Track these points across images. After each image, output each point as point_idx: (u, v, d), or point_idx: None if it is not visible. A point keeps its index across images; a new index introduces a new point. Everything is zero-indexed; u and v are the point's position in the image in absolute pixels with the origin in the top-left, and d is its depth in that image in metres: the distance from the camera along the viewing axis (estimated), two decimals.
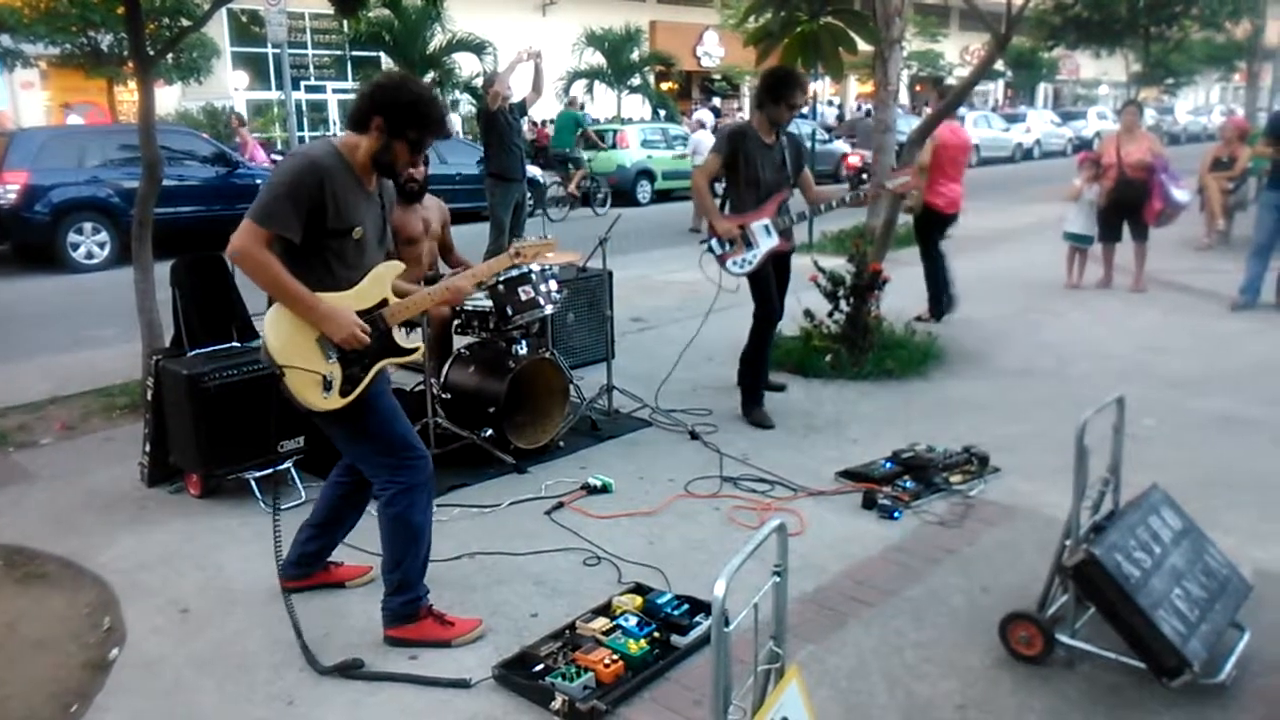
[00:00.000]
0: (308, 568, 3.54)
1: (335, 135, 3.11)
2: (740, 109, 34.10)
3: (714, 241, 5.26)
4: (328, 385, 2.99)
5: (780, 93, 5.12)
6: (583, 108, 22.06)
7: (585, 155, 17.60)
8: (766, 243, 5.20)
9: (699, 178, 5.38)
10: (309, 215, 2.91)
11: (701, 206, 5.34)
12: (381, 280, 3.13)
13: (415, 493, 3.15)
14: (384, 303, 3.12)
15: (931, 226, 7.59)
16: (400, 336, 3.18)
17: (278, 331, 2.96)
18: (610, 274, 6.18)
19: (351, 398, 3.03)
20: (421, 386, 4.92)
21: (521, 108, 9.12)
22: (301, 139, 21.69)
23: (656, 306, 8.43)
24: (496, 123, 8.70)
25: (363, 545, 3.76)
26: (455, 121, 22.96)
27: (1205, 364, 6.37)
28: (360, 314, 3.03)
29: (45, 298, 10.09)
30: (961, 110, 23.33)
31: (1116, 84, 38.10)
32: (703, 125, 17.06)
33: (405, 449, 3.15)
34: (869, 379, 6.08)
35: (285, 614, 3.38)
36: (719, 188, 5.55)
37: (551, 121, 26.34)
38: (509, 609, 3.42)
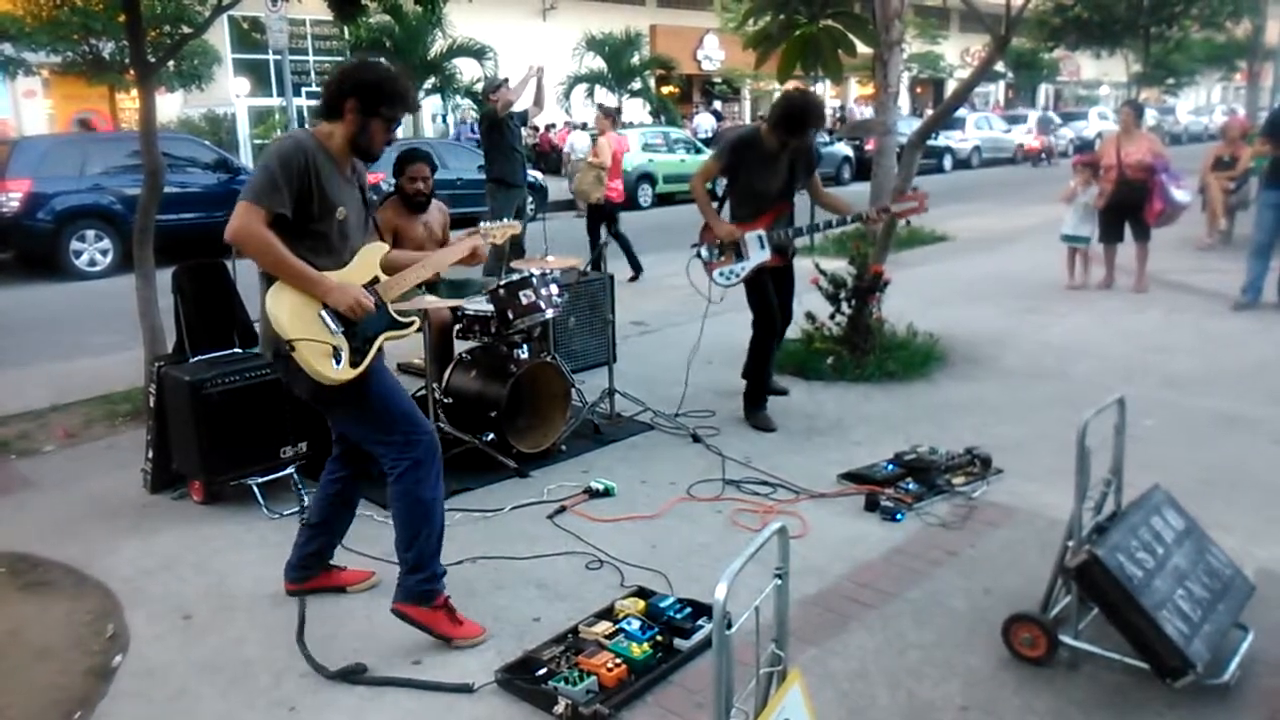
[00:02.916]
0: (310, 569, 3.54)
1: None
2: (739, 111, 34.14)
3: (703, 249, 5.22)
4: (338, 357, 3.03)
5: (788, 127, 4.93)
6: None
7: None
8: (758, 255, 5.13)
9: (695, 181, 5.33)
10: (298, 194, 2.98)
11: (700, 210, 5.28)
12: (369, 259, 3.21)
13: (423, 468, 3.16)
14: (375, 280, 3.20)
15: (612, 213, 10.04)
16: (396, 314, 3.25)
17: (281, 309, 3.01)
18: (611, 278, 6.20)
19: (363, 367, 3.08)
20: (423, 391, 4.93)
21: (523, 116, 9.27)
22: None
23: (658, 310, 8.44)
24: (499, 129, 8.77)
25: (366, 550, 3.76)
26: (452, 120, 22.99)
27: (1207, 364, 6.36)
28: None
29: (48, 305, 10.11)
30: (962, 111, 23.37)
31: (1118, 84, 38.09)
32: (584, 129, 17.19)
33: (410, 425, 3.18)
34: (871, 381, 6.08)
35: (289, 621, 3.39)
36: (719, 189, 5.50)
37: (551, 126, 26.45)
38: (511, 613, 3.42)
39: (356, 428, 3.25)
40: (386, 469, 3.19)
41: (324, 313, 3.04)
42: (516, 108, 9.11)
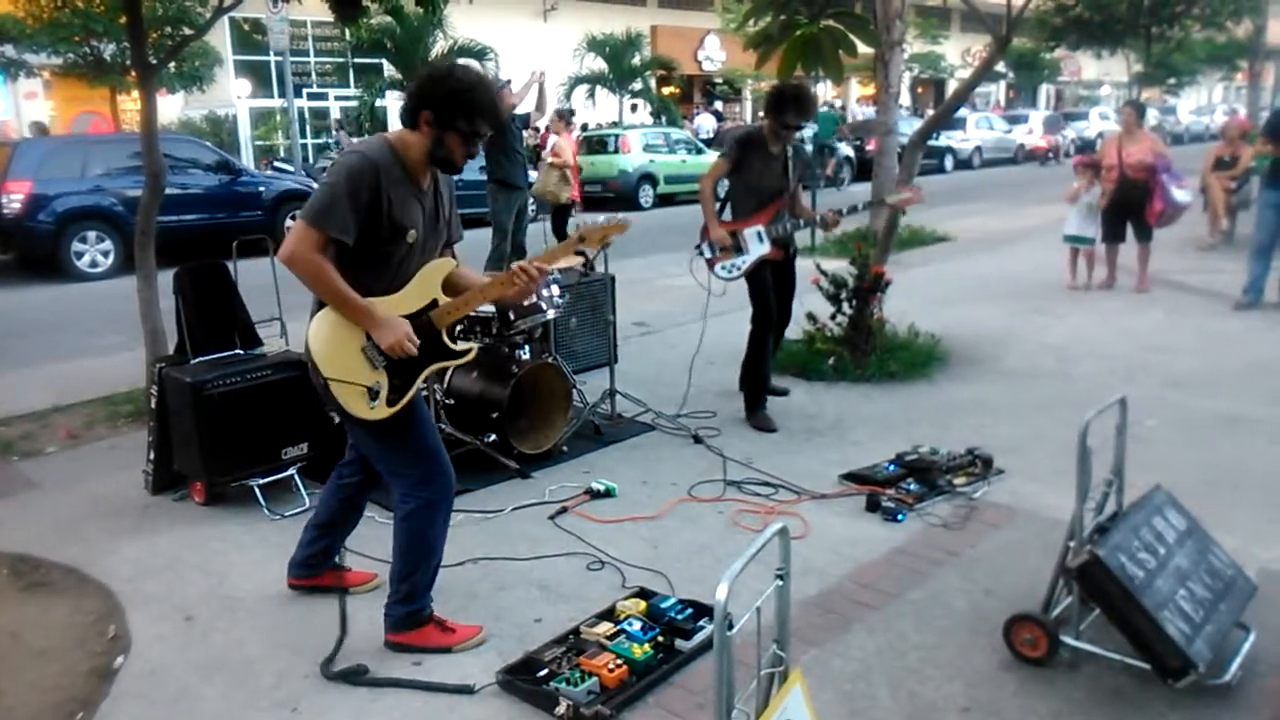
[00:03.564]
0: (315, 567, 3.54)
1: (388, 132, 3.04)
2: (740, 111, 34.14)
3: (705, 246, 5.33)
4: (374, 395, 2.95)
5: (777, 110, 5.16)
6: (834, 108, 25.57)
7: (840, 145, 20.86)
8: (757, 249, 5.25)
9: (705, 182, 5.39)
10: (364, 221, 2.83)
11: (703, 210, 5.35)
12: (429, 281, 3.04)
13: (435, 509, 3.11)
14: (434, 304, 3.04)
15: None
16: (449, 340, 3.09)
17: (321, 343, 2.93)
18: (613, 278, 6.19)
19: (399, 407, 2.98)
20: (425, 392, 4.93)
21: (525, 119, 9.32)
22: (304, 146, 21.77)
23: (659, 311, 8.44)
24: (501, 131, 8.77)
25: (369, 552, 3.76)
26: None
27: (1208, 364, 6.36)
28: (408, 316, 2.97)
29: (49, 306, 10.12)
30: (962, 111, 23.33)
31: (1119, 84, 38.07)
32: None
33: (433, 463, 3.09)
34: (872, 381, 6.08)
35: (290, 621, 3.39)
36: (721, 189, 5.55)
37: (550, 128, 26.46)
38: (512, 614, 3.42)
39: (378, 454, 3.14)
40: (398, 500, 3.12)
41: (367, 347, 2.93)
42: (518, 110, 9.16)
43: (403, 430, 3.05)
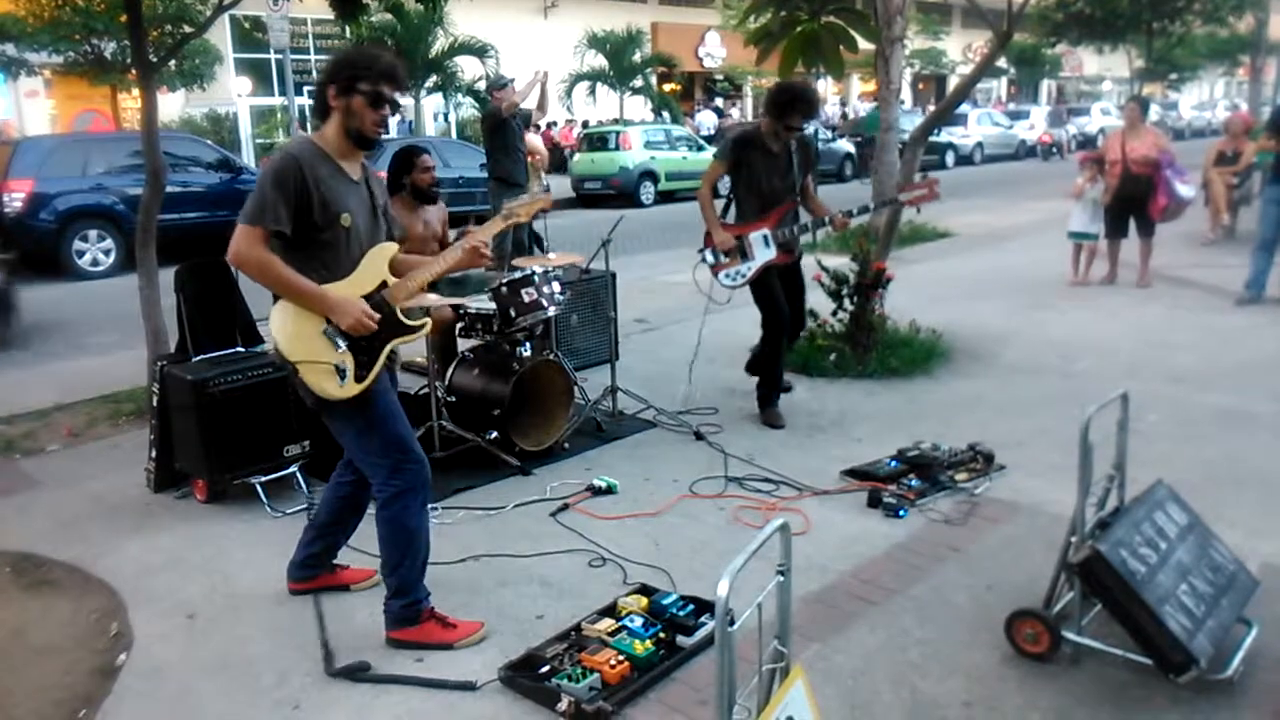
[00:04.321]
0: (313, 569, 3.55)
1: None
2: (739, 107, 34.10)
3: (708, 251, 5.23)
4: (342, 374, 3.02)
5: (781, 109, 5.00)
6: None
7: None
8: (763, 255, 5.12)
9: (703, 187, 5.29)
10: (297, 208, 2.95)
11: (703, 216, 5.26)
12: (377, 263, 3.15)
13: (410, 496, 3.16)
14: (383, 284, 3.15)
15: None
16: (404, 316, 3.20)
17: (283, 330, 3.00)
18: (614, 275, 6.19)
19: (368, 381, 3.06)
20: (426, 390, 4.93)
21: (527, 117, 9.31)
22: None
23: (660, 308, 8.43)
24: (503, 129, 8.80)
25: (368, 549, 3.76)
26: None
27: (1210, 359, 6.35)
28: (364, 297, 3.07)
29: (50, 305, 10.11)
30: (964, 107, 23.33)
31: (1120, 80, 38.02)
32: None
33: (403, 451, 3.16)
34: (873, 378, 6.08)
35: (292, 619, 3.39)
36: (723, 189, 5.49)
37: (553, 124, 26.48)
38: (514, 610, 3.42)
39: (352, 443, 3.23)
40: (375, 491, 3.19)
41: (329, 329, 3.01)
42: (522, 106, 9.16)
43: (374, 417, 3.12)
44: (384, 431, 3.14)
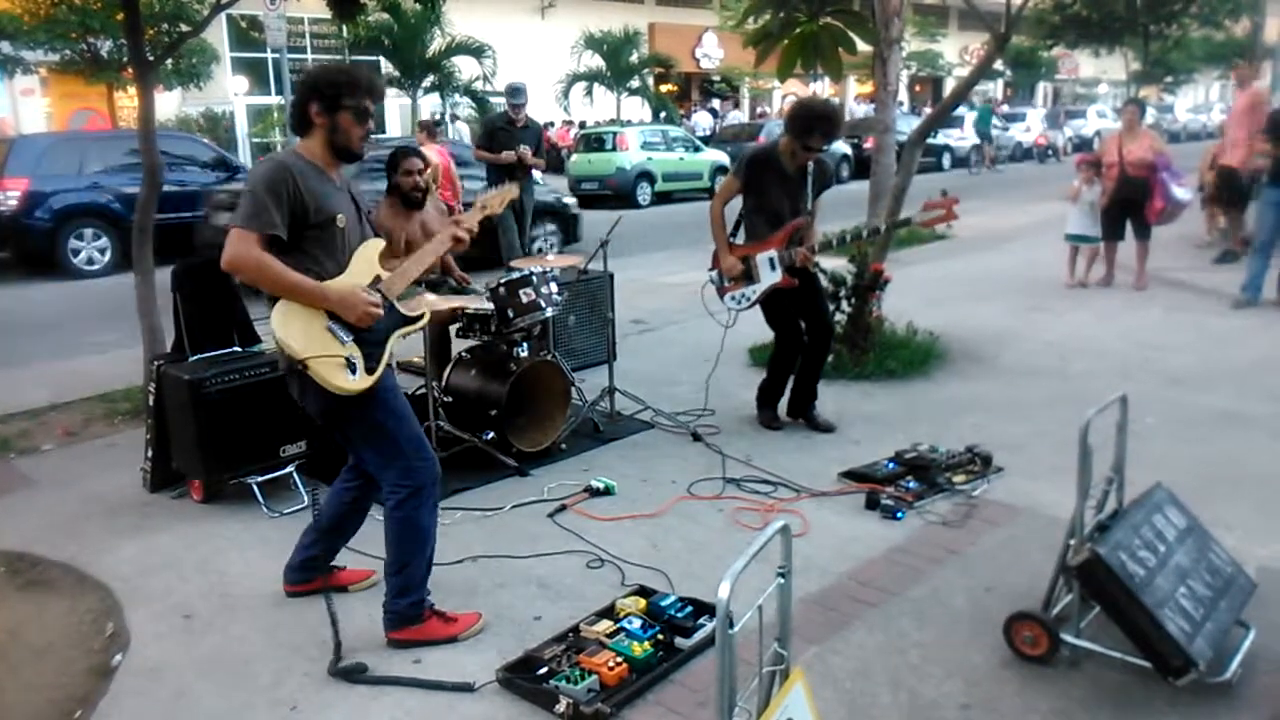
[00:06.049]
0: (311, 572, 3.53)
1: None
2: (738, 107, 34.10)
3: (715, 274, 5.19)
4: (353, 367, 3.03)
5: (803, 130, 4.83)
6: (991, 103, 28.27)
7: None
8: (769, 278, 5.01)
9: (715, 204, 5.17)
10: (291, 212, 2.97)
11: (713, 236, 5.17)
12: (368, 258, 3.18)
13: (423, 495, 3.17)
14: (377, 279, 3.18)
15: None
16: (404, 306, 3.24)
17: (288, 330, 2.99)
18: (611, 276, 6.19)
19: (379, 372, 3.07)
20: (423, 390, 4.92)
21: (536, 132, 9.26)
22: None
23: (657, 309, 8.43)
24: (494, 136, 8.84)
25: (365, 549, 3.75)
26: (464, 130, 23.03)
27: (1207, 361, 6.36)
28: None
29: (46, 304, 10.10)
30: (960, 109, 23.40)
31: (1116, 82, 38.07)
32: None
33: (416, 450, 3.17)
34: (871, 379, 6.07)
35: (289, 619, 3.38)
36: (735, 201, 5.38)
37: (550, 124, 26.50)
38: (512, 612, 3.42)
39: (363, 447, 3.22)
40: (387, 492, 3.19)
41: (332, 324, 3.02)
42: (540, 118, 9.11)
43: (384, 418, 3.13)
44: (397, 431, 3.15)
